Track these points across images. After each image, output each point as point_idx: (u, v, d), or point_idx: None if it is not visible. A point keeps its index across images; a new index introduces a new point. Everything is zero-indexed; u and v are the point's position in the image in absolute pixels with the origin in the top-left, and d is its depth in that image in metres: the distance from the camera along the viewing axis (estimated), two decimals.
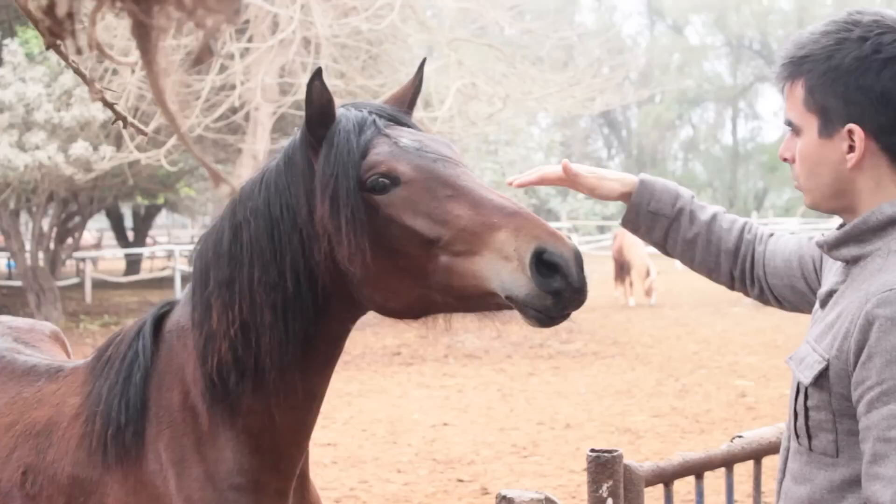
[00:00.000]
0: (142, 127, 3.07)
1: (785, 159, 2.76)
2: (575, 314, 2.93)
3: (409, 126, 3.32)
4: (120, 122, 2.93)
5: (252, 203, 3.25)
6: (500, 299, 2.95)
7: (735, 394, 15.34)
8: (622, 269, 29.64)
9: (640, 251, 28.81)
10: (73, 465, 3.34)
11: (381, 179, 3.07)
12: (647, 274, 28.12)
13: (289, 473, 3.35)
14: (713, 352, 19.67)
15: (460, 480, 10.91)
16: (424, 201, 3.03)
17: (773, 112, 78.00)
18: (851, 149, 2.58)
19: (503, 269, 2.89)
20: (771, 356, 18.42)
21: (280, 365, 3.17)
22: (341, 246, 3.06)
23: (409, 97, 3.48)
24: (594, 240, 51.76)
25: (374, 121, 3.22)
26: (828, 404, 2.56)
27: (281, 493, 3.32)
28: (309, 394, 3.30)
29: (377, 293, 3.14)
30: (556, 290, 2.87)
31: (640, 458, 10.72)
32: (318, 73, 3.17)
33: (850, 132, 2.57)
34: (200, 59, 1.44)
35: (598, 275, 39.93)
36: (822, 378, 2.57)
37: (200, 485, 3.22)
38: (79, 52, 1.47)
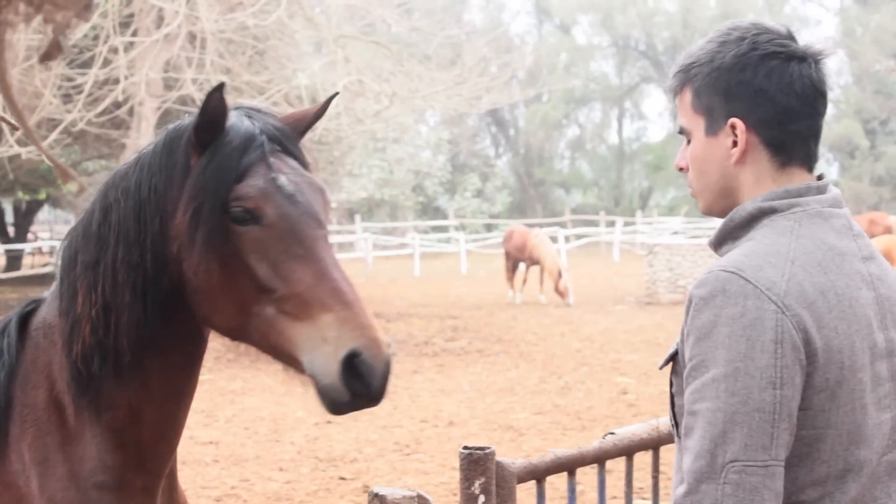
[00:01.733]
0: (12, 121, 3.02)
1: (681, 169, 2.83)
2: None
3: (295, 157, 3.29)
4: None
5: (125, 184, 3.27)
6: (303, 370, 3.05)
7: (616, 391, 15.52)
8: (515, 267, 29.65)
9: (551, 250, 28.90)
10: None
11: (244, 213, 3.09)
12: (560, 274, 28.06)
13: (156, 472, 3.32)
14: (596, 349, 19.86)
15: (342, 478, 10.90)
16: (275, 251, 3.07)
17: (658, 112, 79.07)
18: (735, 143, 2.66)
19: (317, 350, 2.99)
20: (652, 354, 18.66)
21: (137, 347, 3.16)
22: (189, 256, 3.08)
23: (308, 122, 3.44)
24: (481, 238, 51.93)
25: (263, 143, 3.19)
26: (682, 389, 2.62)
27: (148, 491, 3.29)
28: (173, 390, 3.29)
29: (205, 305, 3.16)
30: (355, 392, 2.99)
31: (521, 455, 10.81)
32: (220, 88, 3.15)
33: (733, 126, 2.65)
34: (49, 55, 1.42)
35: (484, 272, 40.16)
36: (674, 363, 2.66)
37: (64, 484, 3.17)
38: None
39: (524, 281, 29.81)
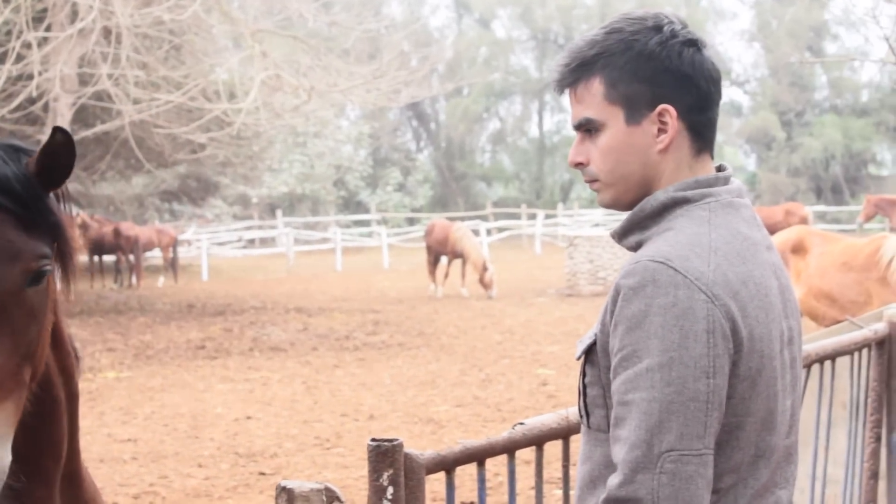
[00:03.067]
0: None
1: (578, 164, 2.78)
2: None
3: (13, 214, 2.94)
4: None
5: None
6: None
7: (537, 382, 15.61)
8: (437, 261, 29.67)
9: (474, 243, 28.95)
10: None
11: None
12: (485, 267, 28.11)
13: (48, 482, 3.32)
14: (517, 341, 19.96)
15: (262, 473, 10.88)
16: None
17: None
18: (661, 131, 2.66)
19: None
20: (572, 345, 18.77)
21: None
22: None
23: (63, 160, 3.04)
24: (403, 231, 51.98)
25: None
26: (598, 379, 2.64)
27: (45, 498, 3.30)
28: (38, 414, 3.24)
29: None
30: None
31: (442, 447, 10.84)
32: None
33: (662, 112, 2.64)
34: None
35: (406, 266, 40.19)
36: (590, 353, 2.66)
37: None
38: None
39: (446, 275, 29.85)
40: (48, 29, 22.65)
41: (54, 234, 3.04)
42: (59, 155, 3.03)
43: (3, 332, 2.87)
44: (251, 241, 52.18)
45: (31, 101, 22.94)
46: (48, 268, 2.98)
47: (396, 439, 3.86)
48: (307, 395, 15.15)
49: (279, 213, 54.65)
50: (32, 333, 2.96)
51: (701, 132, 2.70)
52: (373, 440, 3.87)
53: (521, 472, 6.56)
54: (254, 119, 25.52)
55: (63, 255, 3.11)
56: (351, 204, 65.33)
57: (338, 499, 3.50)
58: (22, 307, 2.92)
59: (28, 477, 3.24)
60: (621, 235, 2.77)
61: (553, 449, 4.52)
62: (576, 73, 2.74)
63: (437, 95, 59.83)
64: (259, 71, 24.53)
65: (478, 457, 4.22)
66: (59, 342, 3.26)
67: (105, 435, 12.58)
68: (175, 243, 37.03)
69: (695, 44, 2.68)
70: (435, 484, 4.14)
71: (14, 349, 2.90)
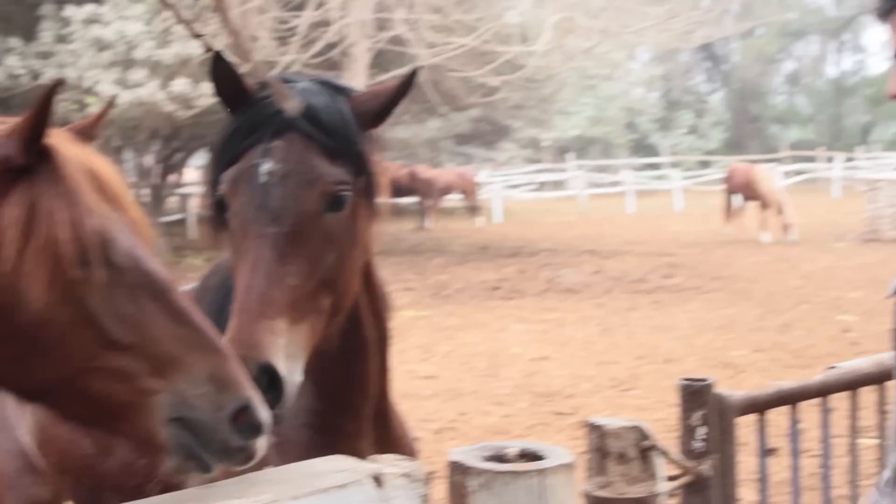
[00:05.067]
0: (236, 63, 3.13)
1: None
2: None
3: (323, 140, 3.10)
4: None
5: None
6: None
7: (838, 329, 15.17)
8: (736, 204, 29.14)
9: (774, 186, 28.34)
10: None
11: (223, 199, 3.12)
12: (781, 210, 27.49)
13: (359, 417, 3.42)
14: (816, 287, 19.42)
15: (559, 413, 10.95)
16: (235, 240, 3.07)
17: (881, 44, 76.30)
18: None
19: None
20: (876, 291, 18.05)
21: None
22: None
23: (386, 98, 3.25)
24: (696, 175, 51.15)
25: (269, 125, 3.09)
26: None
27: (355, 434, 3.41)
28: (352, 349, 3.36)
29: None
30: None
31: (752, 389, 10.68)
32: (217, 56, 3.14)
33: None
34: None
35: (699, 210, 39.61)
36: None
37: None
38: None
39: (742, 218, 29.28)
40: None
41: (358, 165, 3.14)
42: (387, 101, 3.22)
43: (299, 255, 2.98)
44: (542, 185, 52.35)
45: (330, 46, 23.52)
46: (346, 193, 3.08)
47: (706, 379, 3.82)
48: (602, 336, 15.16)
49: (570, 156, 54.66)
50: (330, 261, 3.05)
51: None
52: (684, 379, 3.85)
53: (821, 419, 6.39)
54: (546, 62, 25.56)
55: (368, 188, 3.19)
56: (641, 147, 64.79)
57: (647, 438, 3.48)
58: (319, 232, 3.03)
59: (337, 412, 3.36)
60: None
61: (867, 397, 4.39)
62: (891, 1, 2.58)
63: (730, 36, 58.38)
64: (551, 13, 24.51)
65: (791, 400, 4.15)
66: (370, 284, 3.35)
67: (406, 371, 12.89)
68: (476, 187, 37.55)
69: None
70: (739, 429, 4.05)
71: (310, 273, 2.99)
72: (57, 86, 2.41)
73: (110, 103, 2.95)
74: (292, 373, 2.90)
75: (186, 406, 2.39)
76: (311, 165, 3.04)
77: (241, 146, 3.09)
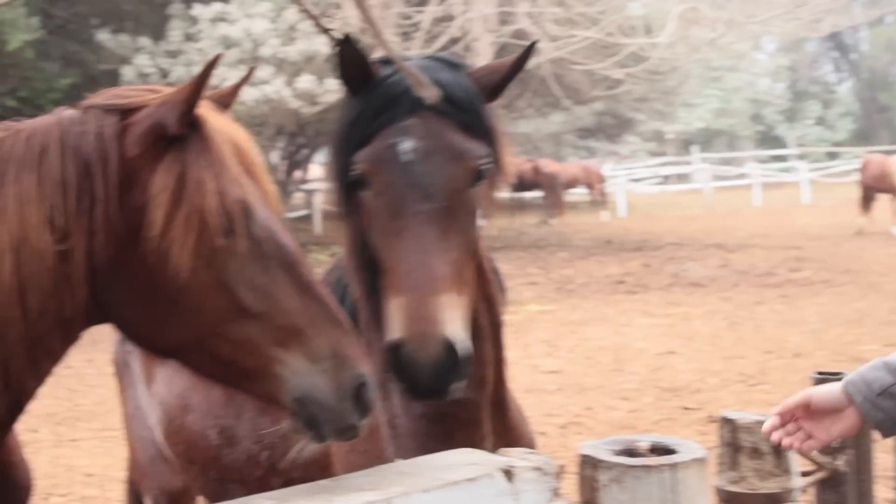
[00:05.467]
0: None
1: None
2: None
3: (457, 116, 3.14)
4: None
5: None
6: None
7: None
8: (872, 197, 28.51)
9: None
10: None
11: (360, 177, 3.12)
12: None
13: (473, 406, 3.38)
14: None
15: (686, 408, 10.83)
16: (377, 222, 3.06)
17: None
18: None
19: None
20: None
21: None
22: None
23: (502, 75, 3.31)
24: (823, 167, 50.25)
25: (402, 103, 3.12)
26: None
27: (471, 422, 3.37)
28: None
29: None
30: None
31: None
32: (347, 40, 3.14)
33: None
34: None
35: (827, 202, 38.92)
36: None
37: (398, 412, 3.36)
38: None
39: (874, 210, 28.67)
40: None
41: (489, 138, 3.18)
42: (504, 76, 3.30)
43: (454, 230, 3.00)
44: (666, 178, 51.92)
45: (454, 41, 23.59)
46: (488, 165, 3.13)
47: (841, 373, 3.72)
48: (729, 330, 14.96)
49: (694, 148, 54.11)
50: (472, 234, 3.09)
51: None
52: (818, 373, 3.77)
53: None
54: (670, 53, 25.33)
55: (497, 161, 3.22)
56: (768, 139, 63.92)
57: None
58: (466, 206, 3.06)
59: (452, 400, 3.34)
60: None
61: None
62: None
63: (858, 24, 57.29)
64: (676, 4, 24.27)
65: None
66: (480, 268, 3.32)
67: (531, 366, 12.86)
68: (602, 180, 37.35)
69: None
70: None
71: (465, 247, 3.04)
72: (217, 59, 2.53)
73: (248, 75, 3.05)
74: (469, 348, 2.92)
75: (310, 382, 2.49)
76: (453, 141, 3.09)
77: (372, 126, 3.11)
